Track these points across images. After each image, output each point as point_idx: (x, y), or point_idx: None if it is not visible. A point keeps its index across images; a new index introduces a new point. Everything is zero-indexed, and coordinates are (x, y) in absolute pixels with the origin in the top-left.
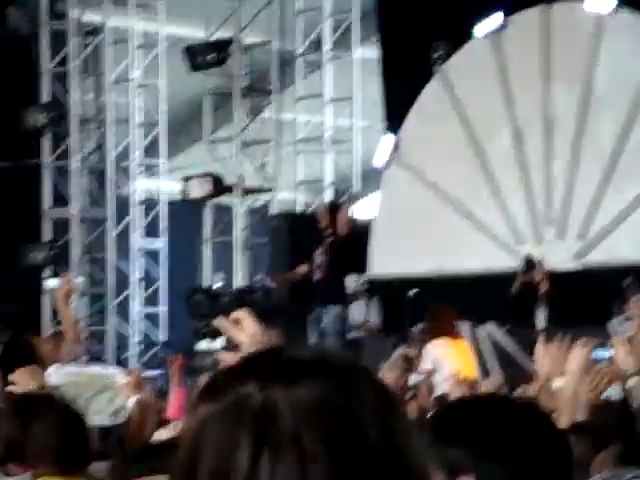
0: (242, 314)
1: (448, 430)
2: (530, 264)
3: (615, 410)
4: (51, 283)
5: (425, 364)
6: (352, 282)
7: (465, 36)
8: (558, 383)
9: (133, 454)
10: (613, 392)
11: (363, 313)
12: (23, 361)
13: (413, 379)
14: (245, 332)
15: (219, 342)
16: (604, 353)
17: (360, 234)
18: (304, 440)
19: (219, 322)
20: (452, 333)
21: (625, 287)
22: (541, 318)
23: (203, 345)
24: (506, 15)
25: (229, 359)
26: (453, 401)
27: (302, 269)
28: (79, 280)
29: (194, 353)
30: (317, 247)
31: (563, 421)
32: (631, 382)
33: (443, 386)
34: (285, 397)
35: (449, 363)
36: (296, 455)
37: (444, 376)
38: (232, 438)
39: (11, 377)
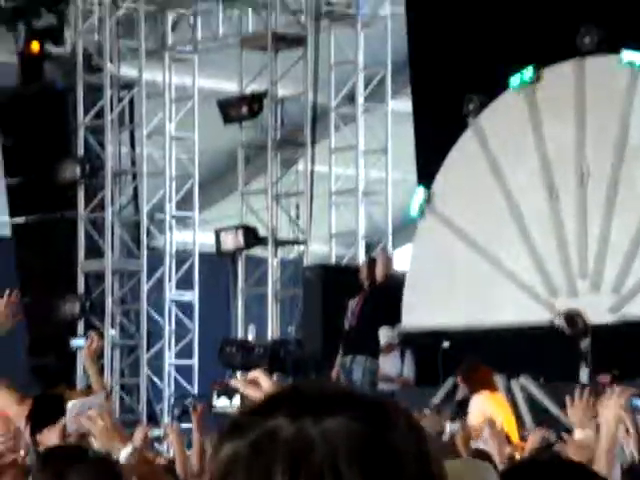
0: (259, 374)
1: None
2: (571, 318)
3: None
4: (78, 342)
5: (474, 415)
6: (386, 334)
7: (499, 88)
8: (579, 434)
9: None
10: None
11: (397, 365)
12: (53, 415)
13: (450, 427)
14: (262, 391)
15: (236, 401)
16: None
17: (394, 286)
18: (341, 469)
19: (236, 382)
20: (490, 386)
21: None
22: (584, 373)
23: (220, 403)
24: (540, 68)
25: (253, 394)
26: (520, 462)
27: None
28: (112, 332)
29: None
30: (350, 298)
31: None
32: None
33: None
34: (317, 428)
35: (497, 416)
36: None
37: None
38: (266, 471)
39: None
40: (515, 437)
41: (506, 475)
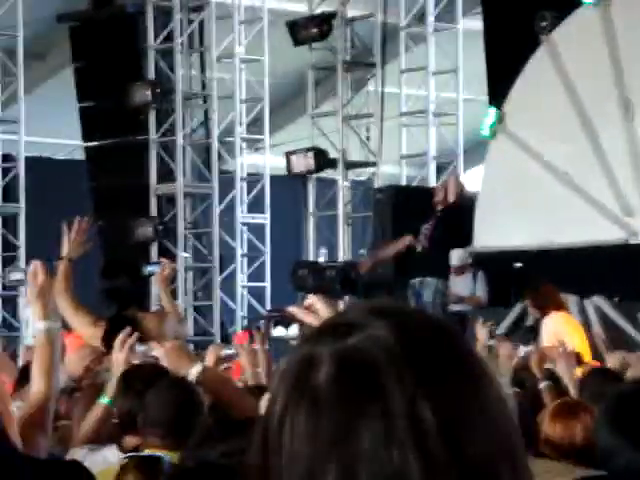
0: (315, 300)
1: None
2: None
3: None
4: (151, 268)
5: (547, 337)
6: (458, 255)
7: (572, 5)
8: None
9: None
10: None
11: (469, 286)
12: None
13: (523, 350)
14: (319, 318)
15: (293, 329)
16: None
17: (466, 208)
18: (322, 388)
19: (292, 310)
20: (562, 307)
21: None
22: None
23: (277, 332)
24: None
25: (310, 321)
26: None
27: (405, 240)
28: (185, 255)
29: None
30: (422, 220)
31: None
32: None
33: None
34: (328, 350)
35: (569, 337)
36: (310, 403)
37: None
38: (277, 390)
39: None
40: (588, 357)
41: (609, 401)
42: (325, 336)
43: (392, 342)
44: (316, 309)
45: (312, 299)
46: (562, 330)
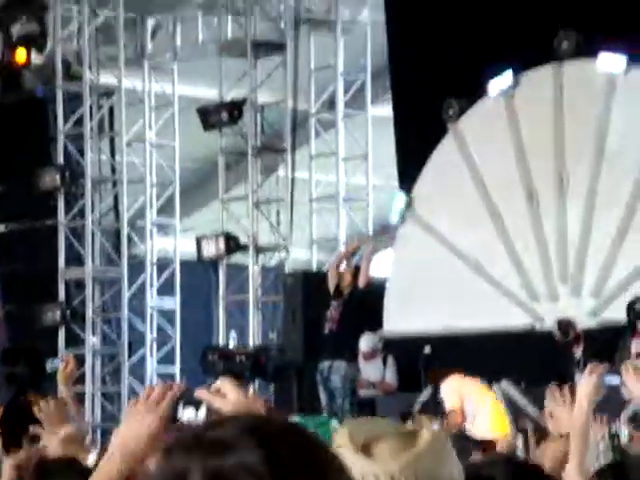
0: (224, 384)
1: None
2: (564, 328)
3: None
4: (53, 365)
5: (448, 400)
6: (368, 340)
7: (478, 93)
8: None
9: None
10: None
11: (379, 371)
12: (22, 421)
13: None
14: (228, 401)
15: (202, 412)
16: (614, 379)
17: (375, 292)
18: None
19: (201, 393)
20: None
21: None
22: (579, 379)
23: (187, 414)
24: (518, 73)
25: (219, 404)
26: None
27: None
28: (93, 340)
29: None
30: (330, 305)
31: (573, 452)
32: None
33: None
34: (199, 468)
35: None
36: None
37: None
38: None
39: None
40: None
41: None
42: (197, 451)
43: (262, 471)
44: (224, 393)
45: (221, 383)
46: (462, 387)
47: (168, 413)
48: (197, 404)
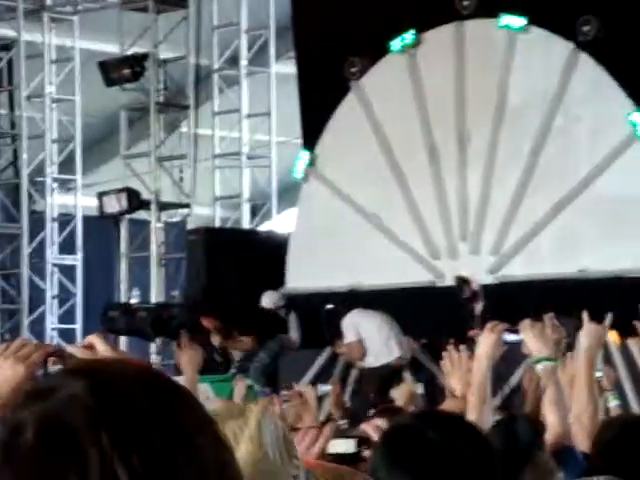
0: (94, 339)
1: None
2: (459, 286)
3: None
4: None
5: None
6: (270, 297)
7: (381, 51)
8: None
9: None
10: (613, 402)
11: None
12: None
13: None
14: (97, 356)
15: None
16: (513, 337)
17: (278, 248)
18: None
19: (71, 348)
20: None
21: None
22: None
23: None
24: (421, 31)
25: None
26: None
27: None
28: None
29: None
30: (235, 262)
31: (471, 408)
32: (540, 366)
33: None
34: (30, 414)
35: None
36: (15, 469)
37: None
38: None
39: None
40: None
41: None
42: (29, 401)
43: (90, 403)
44: (95, 347)
45: (91, 338)
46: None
47: (35, 367)
48: (65, 359)
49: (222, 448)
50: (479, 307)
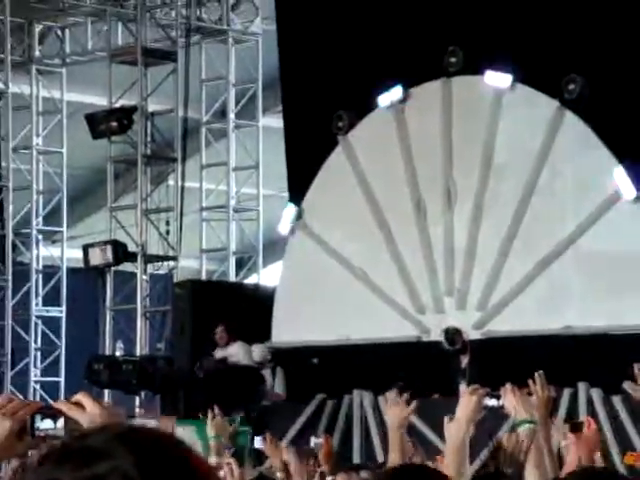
0: (82, 397)
1: None
2: (451, 337)
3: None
4: None
5: None
6: (259, 350)
7: (368, 106)
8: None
9: None
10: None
11: (269, 381)
12: None
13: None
14: (85, 412)
15: (60, 422)
16: (494, 402)
17: (265, 302)
18: None
19: (59, 404)
20: None
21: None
22: (463, 388)
23: (44, 425)
24: (408, 87)
25: (77, 416)
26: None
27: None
28: None
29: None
30: (221, 315)
31: (448, 470)
32: (522, 429)
33: None
34: (70, 476)
35: None
36: None
37: None
38: None
39: None
40: None
41: None
42: (67, 461)
43: (134, 476)
44: (83, 405)
45: (79, 396)
46: None
47: (23, 422)
48: (55, 416)
49: None
50: (466, 360)
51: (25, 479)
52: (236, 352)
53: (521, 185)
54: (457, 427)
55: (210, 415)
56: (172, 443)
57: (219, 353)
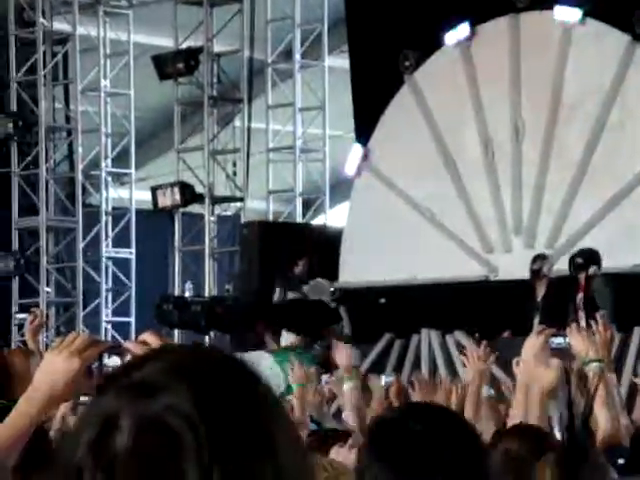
0: (149, 336)
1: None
2: (541, 259)
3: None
4: (21, 317)
5: None
6: (316, 287)
7: (435, 45)
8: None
9: None
10: (558, 340)
11: (345, 320)
12: None
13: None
14: None
15: (127, 360)
16: (561, 341)
17: (332, 243)
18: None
19: (127, 344)
20: None
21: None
22: (537, 322)
23: (112, 362)
24: (475, 24)
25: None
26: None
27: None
28: (48, 290)
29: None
30: (289, 255)
31: (514, 415)
32: (589, 367)
33: None
34: (128, 412)
35: None
36: (104, 471)
37: None
38: (73, 444)
39: None
40: None
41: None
42: (125, 393)
43: (194, 414)
44: (150, 344)
45: (146, 335)
46: None
47: (90, 361)
48: (122, 354)
49: (306, 470)
50: (541, 293)
51: (85, 411)
52: (315, 290)
53: (591, 123)
54: (524, 368)
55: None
56: (237, 373)
57: (292, 296)
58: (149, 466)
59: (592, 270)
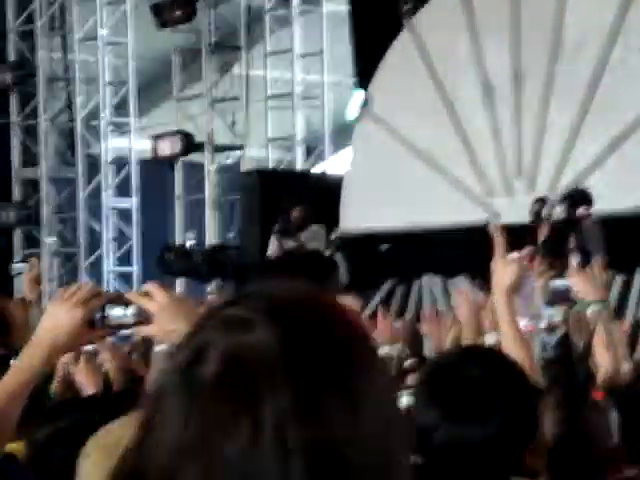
0: (152, 287)
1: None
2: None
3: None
4: (18, 267)
5: None
6: (313, 233)
7: None
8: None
9: None
10: (560, 283)
11: (342, 267)
12: None
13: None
14: (155, 303)
15: (131, 310)
16: (562, 283)
17: (332, 190)
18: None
19: (130, 295)
20: None
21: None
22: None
23: (115, 312)
24: None
25: (145, 331)
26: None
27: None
28: (51, 240)
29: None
30: (289, 203)
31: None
32: (590, 310)
33: None
34: (218, 344)
35: None
36: (188, 396)
37: None
38: (164, 374)
39: None
40: None
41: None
42: (217, 327)
43: (277, 352)
44: (152, 295)
45: (149, 286)
46: None
47: (93, 311)
48: (126, 305)
49: (395, 417)
50: (543, 235)
51: (181, 342)
52: (311, 237)
53: (592, 63)
54: (495, 296)
55: None
56: (331, 317)
57: (289, 244)
58: (228, 398)
59: (581, 210)
